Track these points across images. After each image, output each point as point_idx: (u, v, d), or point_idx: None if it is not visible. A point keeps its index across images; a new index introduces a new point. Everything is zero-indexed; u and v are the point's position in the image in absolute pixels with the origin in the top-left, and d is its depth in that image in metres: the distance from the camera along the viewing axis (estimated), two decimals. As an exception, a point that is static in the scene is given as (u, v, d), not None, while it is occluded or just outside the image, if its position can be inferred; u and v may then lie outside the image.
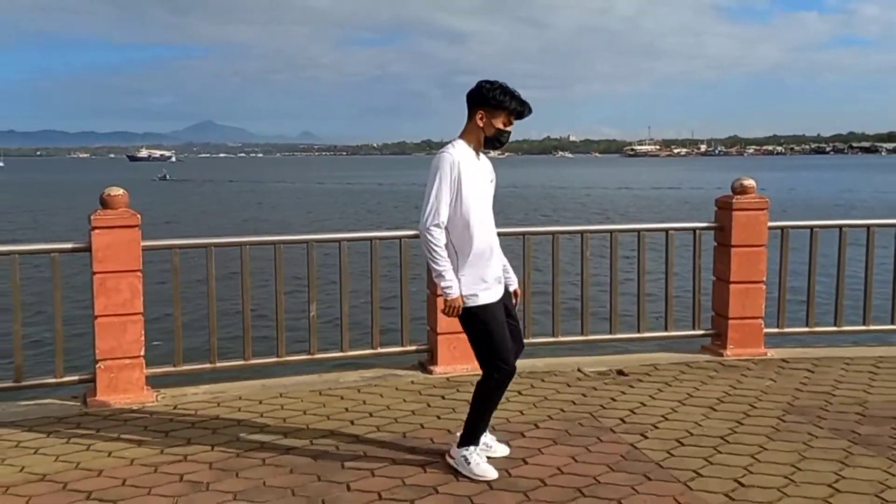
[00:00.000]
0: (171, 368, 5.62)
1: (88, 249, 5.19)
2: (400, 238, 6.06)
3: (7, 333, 5.64)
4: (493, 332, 3.96)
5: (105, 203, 5.20)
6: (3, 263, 5.25)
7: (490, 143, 3.98)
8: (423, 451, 4.36)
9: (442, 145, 4.02)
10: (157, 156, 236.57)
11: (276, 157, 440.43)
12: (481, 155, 4.06)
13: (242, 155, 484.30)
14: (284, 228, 28.64)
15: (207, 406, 5.20)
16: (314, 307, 5.86)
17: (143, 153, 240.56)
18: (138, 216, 5.25)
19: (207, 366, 5.70)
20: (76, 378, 5.38)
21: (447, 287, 3.89)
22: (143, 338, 5.34)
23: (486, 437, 4.19)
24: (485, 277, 3.97)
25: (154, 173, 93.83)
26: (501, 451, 4.26)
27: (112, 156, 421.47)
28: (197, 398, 5.37)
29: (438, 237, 3.87)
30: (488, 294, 3.98)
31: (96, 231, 5.15)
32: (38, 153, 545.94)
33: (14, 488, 3.89)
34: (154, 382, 5.49)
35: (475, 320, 3.97)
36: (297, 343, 6.17)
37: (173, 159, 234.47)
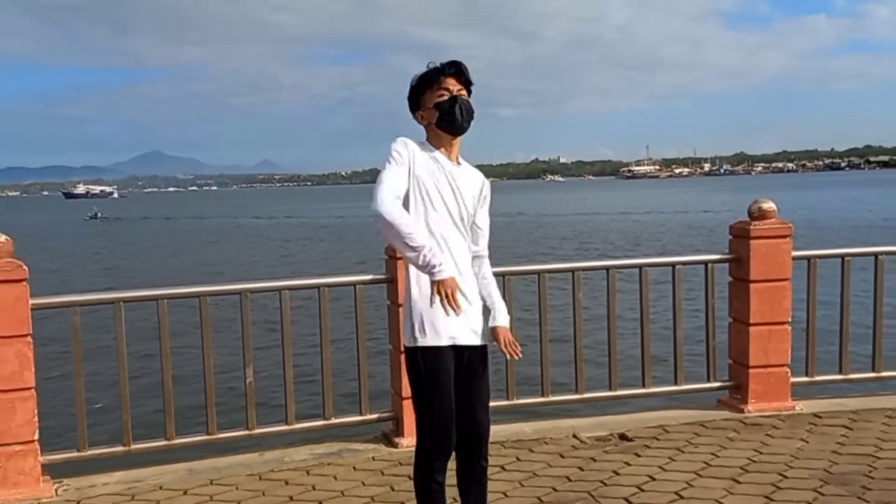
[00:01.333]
0: (75, 454, 5.15)
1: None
2: (355, 284, 5.65)
3: None
4: (430, 388, 3.45)
5: (-6, 257, 4.75)
6: None
7: (442, 124, 3.45)
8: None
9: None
10: (97, 192, 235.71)
11: (231, 189, 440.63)
12: (463, 163, 3.57)
13: (194, 188, 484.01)
14: (217, 276, 27.19)
15: (120, 499, 4.77)
16: (250, 371, 5.41)
17: (81, 189, 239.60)
18: (25, 268, 4.79)
19: (120, 448, 5.22)
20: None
21: (433, 266, 3.21)
22: (35, 418, 4.86)
23: None
24: (437, 312, 3.37)
25: (117, 212, 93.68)
26: None
27: (45, 193, 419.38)
28: (107, 489, 4.93)
29: (399, 209, 3.27)
30: (435, 336, 3.44)
31: None
32: None
33: None
34: (53, 471, 5.01)
35: (412, 366, 3.49)
36: (231, 415, 5.72)
37: (115, 195, 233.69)
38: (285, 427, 5.56)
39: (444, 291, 3.19)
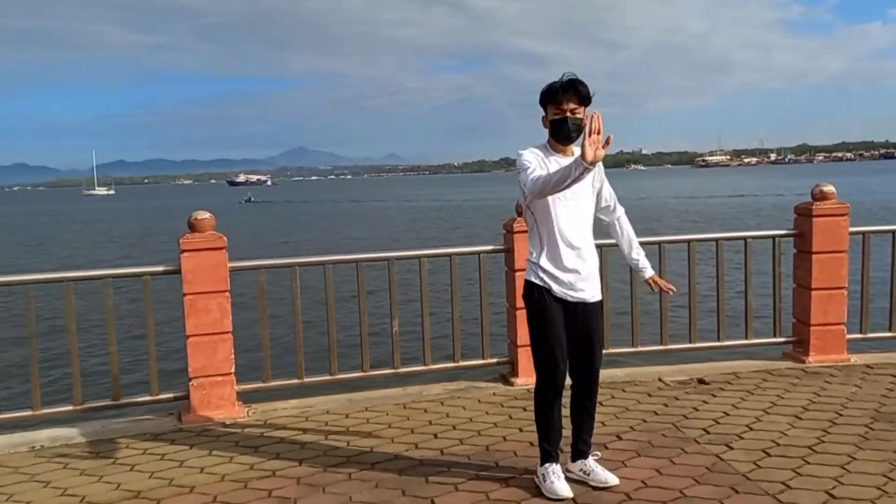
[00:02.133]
0: (261, 384, 5.55)
1: (178, 272, 5.17)
2: (479, 253, 5.87)
3: (104, 354, 5.67)
4: (542, 330, 3.68)
5: (193, 227, 5.18)
6: (97, 287, 5.29)
7: (555, 137, 3.66)
8: (506, 465, 4.14)
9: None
10: (254, 180, 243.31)
11: (363, 177, 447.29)
12: (576, 151, 3.65)
13: (332, 177, 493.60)
14: (366, 246, 28.47)
15: (296, 420, 5.11)
16: (396, 323, 5.71)
17: (241, 178, 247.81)
18: (224, 238, 5.22)
19: (295, 381, 5.61)
20: (171, 395, 5.37)
21: (574, 165, 3.34)
22: (232, 355, 5.29)
23: (588, 463, 3.90)
24: (558, 266, 3.66)
25: (266, 196, 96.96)
26: (602, 479, 3.82)
27: (213, 181, 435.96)
28: (286, 413, 5.28)
29: (535, 179, 3.51)
30: (556, 286, 3.68)
31: (185, 254, 5.13)
32: (146, 181, 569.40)
33: (110, 507, 3.85)
34: (245, 398, 5.43)
35: (529, 309, 3.74)
36: (381, 358, 6.03)
37: (269, 183, 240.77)
38: (423, 367, 5.84)
39: (591, 156, 3.25)
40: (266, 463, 4.33)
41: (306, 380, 5.61)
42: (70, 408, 5.15)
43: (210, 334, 5.19)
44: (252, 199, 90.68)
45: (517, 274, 5.64)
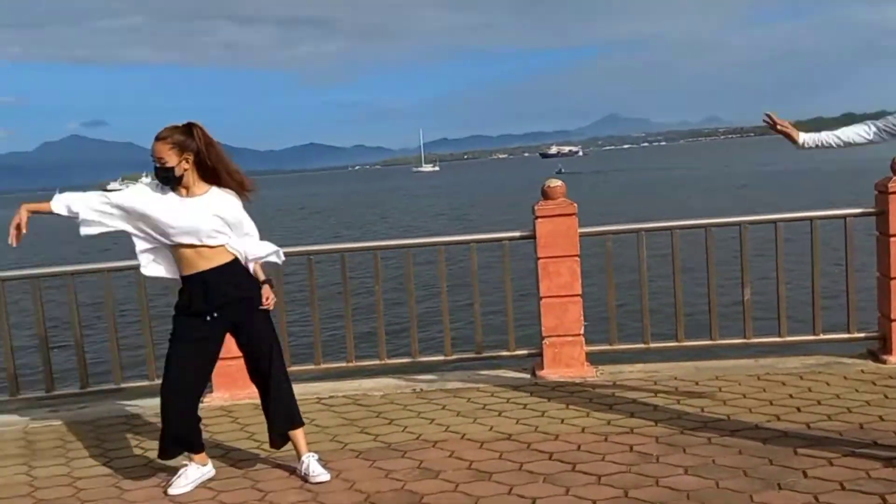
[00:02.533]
0: (608, 347, 5.81)
1: (533, 237, 5.59)
2: (844, 217, 5.51)
3: (468, 312, 6.30)
4: None
5: (546, 194, 5.54)
6: (461, 251, 5.91)
7: None
8: (887, 445, 3.90)
9: (866, 117, 3.52)
10: (566, 151, 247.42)
11: (678, 143, 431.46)
12: None
13: (645, 144, 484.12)
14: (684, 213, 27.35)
15: (644, 384, 5.27)
16: (748, 291, 5.59)
17: (553, 150, 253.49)
18: (574, 205, 5.52)
19: (641, 346, 5.77)
20: (525, 352, 5.85)
21: None
22: (581, 317, 5.60)
23: None
24: None
25: (574, 167, 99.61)
26: None
27: (526, 154, 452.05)
28: (633, 376, 5.47)
29: None
30: None
31: (539, 220, 5.52)
32: (466, 157, 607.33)
33: (487, 444, 4.35)
34: (592, 359, 5.73)
35: None
36: (728, 327, 5.94)
37: (580, 153, 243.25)
38: (777, 339, 5.67)
39: None
40: (622, 420, 4.57)
41: (652, 345, 5.75)
42: (441, 358, 5.87)
43: (561, 296, 5.55)
44: (563, 170, 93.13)
45: (892, 239, 5.19)
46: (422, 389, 5.52)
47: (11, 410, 5.66)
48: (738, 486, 3.57)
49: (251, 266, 4.05)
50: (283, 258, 4.21)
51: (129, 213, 3.87)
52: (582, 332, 5.62)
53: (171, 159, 3.77)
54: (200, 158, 3.82)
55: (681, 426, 4.39)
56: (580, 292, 5.59)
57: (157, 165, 3.79)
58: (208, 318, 3.90)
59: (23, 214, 3.79)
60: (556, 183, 5.56)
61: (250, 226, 4.01)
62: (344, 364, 5.91)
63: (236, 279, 3.94)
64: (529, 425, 4.60)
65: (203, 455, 4.12)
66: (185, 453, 4.09)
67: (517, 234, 5.77)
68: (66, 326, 6.07)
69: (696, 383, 5.20)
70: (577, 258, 5.56)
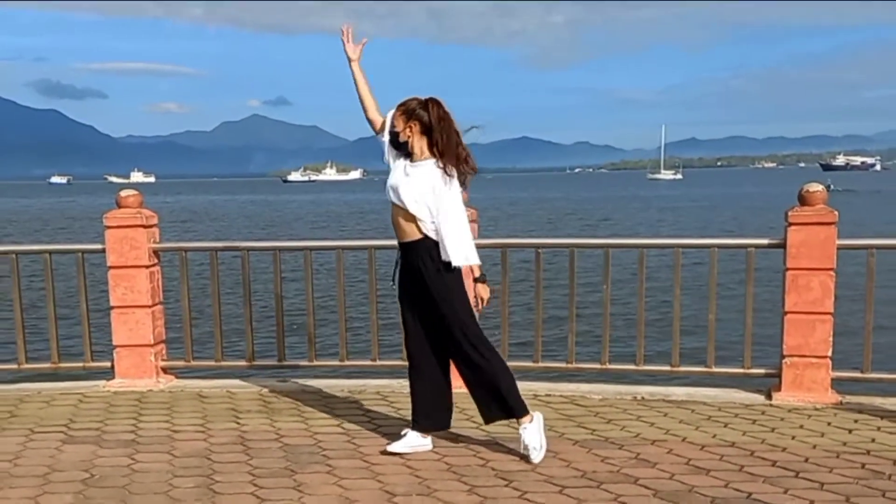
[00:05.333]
0: (859, 374, 6.55)
1: (783, 245, 6.45)
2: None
3: (696, 322, 7.25)
4: None
5: (804, 200, 6.39)
6: (699, 256, 6.87)
7: None
8: None
9: None
10: (857, 163, 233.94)
11: None
12: None
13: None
14: None
15: (891, 417, 5.98)
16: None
17: (840, 160, 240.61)
18: (836, 213, 6.32)
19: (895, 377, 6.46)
20: (762, 371, 6.72)
21: None
22: (831, 338, 6.38)
23: None
24: None
25: (850, 184, 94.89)
26: None
27: (802, 164, 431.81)
28: (886, 406, 6.19)
29: None
30: None
31: (793, 227, 6.38)
32: (719, 163, 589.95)
33: (708, 448, 5.35)
34: (838, 387, 6.48)
35: None
36: None
37: (877, 167, 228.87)
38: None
39: None
40: (860, 442, 5.38)
41: (914, 377, 6.42)
42: (668, 368, 6.89)
43: (810, 313, 6.37)
44: (832, 186, 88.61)
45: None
46: (643, 398, 6.58)
47: (248, 376, 7.40)
48: (972, 508, 4.34)
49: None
50: (463, 264, 5.19)
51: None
52: (830, 354, 6.39)
53: (399, 124, 5.25)
54: (430, 130, 5.19)
55: (930, 457, 5.14)
56: (832, 310, 6.38)
57: (392, 130, 5.29)
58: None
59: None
60: (816, 188, 6.39)
61: (446, 211, 5.14)
62: (564, 364, 7.07)
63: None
64: (756, 437, 5.54)
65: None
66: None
67: (765, 241, 6.67)
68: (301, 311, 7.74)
69: (958, 421, 5.85)
70: (832, 272, 6.35)
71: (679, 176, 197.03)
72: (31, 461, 5.35)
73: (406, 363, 7.11)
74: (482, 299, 5.30)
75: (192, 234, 47.82)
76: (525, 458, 5.17)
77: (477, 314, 5.41)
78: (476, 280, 5.31)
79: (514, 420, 5.29)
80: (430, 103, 5.20)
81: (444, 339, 5.32)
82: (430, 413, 5.43)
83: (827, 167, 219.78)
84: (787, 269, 6.43)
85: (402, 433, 5.47)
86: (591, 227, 46.13)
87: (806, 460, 5.09)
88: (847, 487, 4.63)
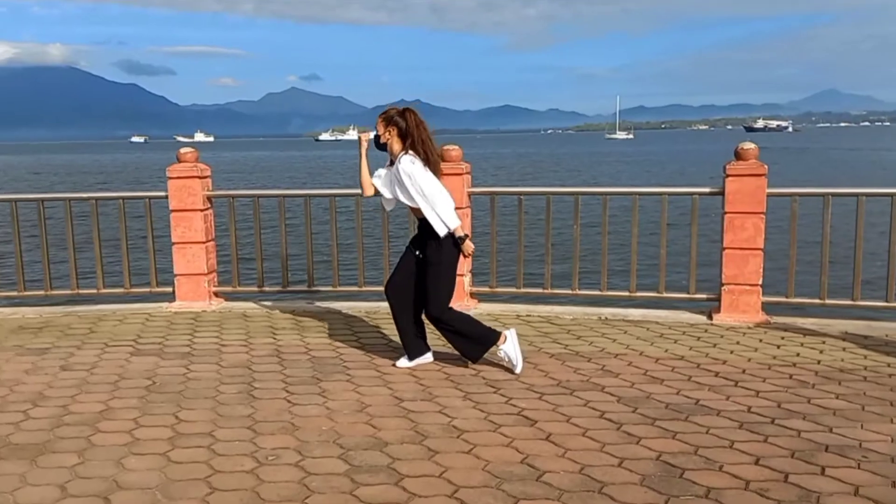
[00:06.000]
0: (783, 298, 6.29)
1: (722, 193, 6.15)
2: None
3: (652, 257, 6.97)
4: None
5: (739, 155, 6.07)
6: (653, 201, 6.58)
7: None
8: None
9: None
10: (773, 126, 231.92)
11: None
12: None
13: (865, 123, 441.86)
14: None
15: (815, 332, 5.74)
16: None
17: (759, 124, 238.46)
18: (765, 167, 6.01)
19: (817, 301, 6.21)
20: (704, 296, 6.46)
21: None
22: (761, 269, 6.12)
23: None
24: None
25: (766, 143, 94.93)
26: None
27: (729, 127, 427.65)
28: (806, 326, 5.94)
29: None
30: None
31: (730, 178, 6.07)
32: (663, 126, 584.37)
33: (661, 360, 5.11)
34: (767, 309, 6.23)
35: None
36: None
37: (789, 129, 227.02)
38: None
39: None
40: (788, 356, 5.14)
41: (828, 301, 6.16)
42: (627, 293, 6.63)
43: (744, 249, 6.10)
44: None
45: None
46: (606, 318, 6.32)
47: (283, 299, 7.16)
48: (882, 412, 4.11)
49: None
50: (444, 232, 4.83)
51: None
52: (760, 282, 6.13)
53: (380, 129, 5.00)
54: (404, 133, 4.91)
55: (840, 367, 4.90)
56: (762, 247, 6.10)
57: (375, 135, 5.04)
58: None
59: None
60: (749, 146, 6.07)
61: (425, 195, 4.83)
62: (541, 290, 6.81)
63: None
64: (701, 352, 5.30)
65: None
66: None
67: (706, 189, 6.36)
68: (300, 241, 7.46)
69: (865, 337, 5.61)
70: (762, 215, 6.06)
71: (631, 136, 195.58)
72: (105, 370, 5.12)
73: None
74: (467, 253, 4.99)
75: (245, 182, 47.37)
76: (509, 370, 4.93)
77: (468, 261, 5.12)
78: (460, 239, 4.96)
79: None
80: (407, 112, 4.96)
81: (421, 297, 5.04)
82: (414, 344, 5.17)
83: (750, 129, 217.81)
84: (726, 213, 6.13)
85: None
86: (562, 178, 45.47)
87: (743, 371, 4.85)
88: (778, 395, 4.40)
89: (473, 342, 5.01)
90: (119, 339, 5.93)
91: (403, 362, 5.11)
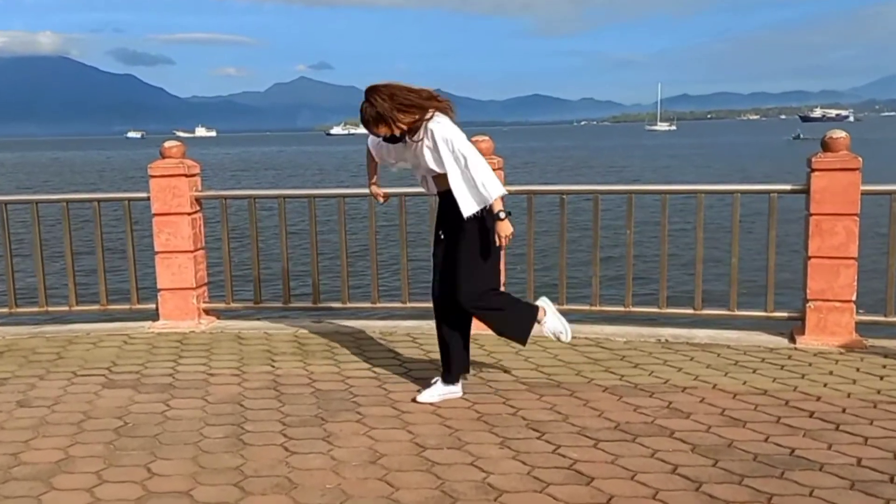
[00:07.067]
0: (882, 318, 5.73)
1: (806, 191, 5.62)
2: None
3: (719, 266, 6.46)
4: None
5: (827, 146, 5.54)
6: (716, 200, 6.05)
7: None
8: None
9: None
10: (832, 115, 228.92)
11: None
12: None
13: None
14: None
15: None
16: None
17: (817, 113, 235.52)
18: (859, 160, 5.47)
19: (924, 321, 5.66)
20: (785, 314, 5.92)
21: None
22: (854, 283, 5.58)
23: None
24: None
25: (803, 133, 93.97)
26: None
27: (783, 117, 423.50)
28: (901, 351, 5.41)
29: None
30: None
31: (816, 173, 5.54)
32: (709, 116, 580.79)
33: (740, 396, 4.59)
34: (862, 330, 5.69)
35: None
36: None
37: (850, 118, 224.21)
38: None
39: None
40: (892, 391, 4.59)
41: (933, 323, 5.61)
42: (690, 311, 6.10)
43: (834, 258, 5.56)
44: (801, 136, 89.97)
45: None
46: (666, 340, 5.81)
47: (282, 317, 6.70)
48: None
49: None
50: (475, 209, 4.39)
51: None
52: (853, 298, 5.60)
53: (384, 130, 4.41)
54: (391, 112, 4.33)
55: (967, 405, 4.36)
56: (856, 255, 5.56)
57: (385, 138, 4.49)
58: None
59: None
60: (839, 134, 5.54)
61: (452, 157, 4.37)
62: (588, 307, 6.31)
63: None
64: (787, 385, 4.77)
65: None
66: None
67: (788, 186, 5.83)
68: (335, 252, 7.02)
69: None
70: (856, 218, 5.52)
71: (674, 127, 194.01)
72: (69, 406, 4.70)
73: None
74: (501, 237, 4.45)
75: (249, 182, 47.30)
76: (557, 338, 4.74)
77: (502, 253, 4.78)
78: (496, 218, 4.44)
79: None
80: (375, 96, 4.33)
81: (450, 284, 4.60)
82: (457, 359, 4.71)
83: (806, 119, 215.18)
84: (811, 215, 5.60)
85: (433, 381, 4.77)
86: (603, 174, 44.62)
87: (843, 411, 4.31)
88: (892, 443, 3.86)
89: (515, 322, 4.66)
90: (90, 366, 5.52)
91: (426, 396, 4.63)
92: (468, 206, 4.36)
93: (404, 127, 4.39)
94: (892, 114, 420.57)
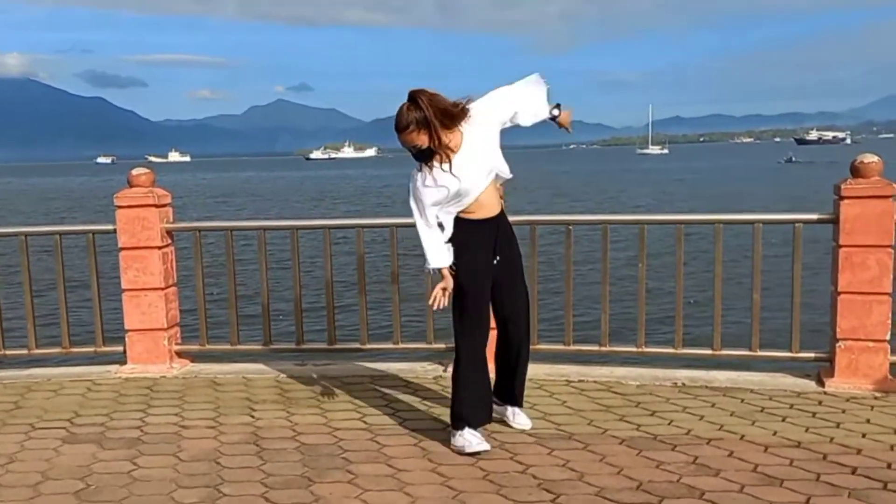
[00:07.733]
0: (920, 362, 5.50)
1: (835, 221, 5.40)
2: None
3: (738, 302, 6.21)
4: None
5: (857, 171, 5.33)
6: (744, 229, 5.82)
7: None
8: None
9: None
10: (829, 137, 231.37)
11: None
12: None
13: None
14: None
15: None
16: None
17: (813, 135, 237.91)
18: (894, 186, 5.26)
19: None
20: (811, 355, 5.67)
21: None
22: (888, 321, 5.35)
23: None
24: None
25: (825, 156, 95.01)
26: None
27: (777, 139, 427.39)
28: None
29: None
30: None
31: (846, 201, 5.32)
32: (701, 139, 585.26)
33: (772, 449, 4.32)
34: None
35: None
36: None
37: (847, 141, 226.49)
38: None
39: None
40: (939, 444, 4.35)
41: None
42: (709, 352, 5.85)
43: (866, 293, 5.33)
44: (793, 159, 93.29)
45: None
46: (683, 384, 5.55)
47: (263, 360, 6.39)
48: None
49: None
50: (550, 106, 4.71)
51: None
52: (887, 337, 5.36)
53: (423, 139, 4.15)
54: (439, 119, 4.13)
55: None
56: (890, 290, 5.34)
57: (414, 151, 4.20)
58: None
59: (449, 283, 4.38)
60: (871, 158, 5.33)
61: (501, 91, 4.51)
62: (597, 347, 6.04)
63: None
64: (823, 436, 4.50)
65: None
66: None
67: (814, 216, 5.60)
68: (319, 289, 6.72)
69: None
70: (890, 250, 5.30)
71: (666, 151, 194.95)
72: (25, 466, 4.39)
73: (428, 346, 6.18)
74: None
75: (227, 211, 46.94)
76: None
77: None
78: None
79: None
80: (419, 99, 4.13)
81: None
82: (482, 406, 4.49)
83: (801, 142, 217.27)
84: (840, 247, 5.37)
85: (511, 411, 4.78)
86: (598, 202, 44.32)
87: (888, 466, 4.05)
88: (951, 505, 3.61)
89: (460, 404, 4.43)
90: (50, 417, 5.21)
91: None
92: (545, 106, 4.69)
93: (443, 139, 4.19)
94: (891, 135, 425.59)
